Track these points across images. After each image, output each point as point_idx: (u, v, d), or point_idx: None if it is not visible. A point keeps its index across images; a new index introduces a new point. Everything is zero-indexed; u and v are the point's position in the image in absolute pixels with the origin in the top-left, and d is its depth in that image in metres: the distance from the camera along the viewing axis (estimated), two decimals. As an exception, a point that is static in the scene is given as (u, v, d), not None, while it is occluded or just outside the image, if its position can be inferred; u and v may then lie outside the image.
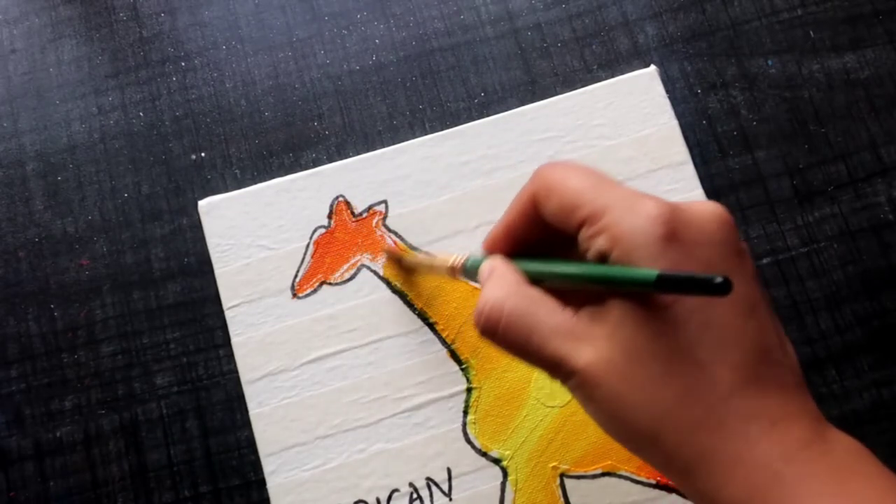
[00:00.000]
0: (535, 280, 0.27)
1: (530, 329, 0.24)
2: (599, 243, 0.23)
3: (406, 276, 0.40)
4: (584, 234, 0.24)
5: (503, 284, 0.26)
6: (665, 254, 0.22)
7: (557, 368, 0.24)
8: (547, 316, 0.24)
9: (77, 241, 0.42)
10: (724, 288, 0.19)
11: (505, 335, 0.25)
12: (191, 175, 0.43)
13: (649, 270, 0.21)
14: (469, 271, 0.30)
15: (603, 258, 0.24)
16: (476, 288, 0.40)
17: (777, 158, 0.42)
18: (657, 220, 0.22)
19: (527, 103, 0.42)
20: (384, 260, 0.40)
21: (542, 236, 0.28)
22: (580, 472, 0.38)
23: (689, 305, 0.22)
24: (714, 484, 0.22)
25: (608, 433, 0.24)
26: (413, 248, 0.41)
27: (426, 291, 0.40)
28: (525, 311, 0.25)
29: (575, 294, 0.26)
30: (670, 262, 0.22)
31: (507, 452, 0.38)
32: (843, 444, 0.23)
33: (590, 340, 0.23)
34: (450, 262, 0.32)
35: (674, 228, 0.23)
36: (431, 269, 0.35)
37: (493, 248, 0.29)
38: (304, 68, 0.44)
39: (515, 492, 0.38)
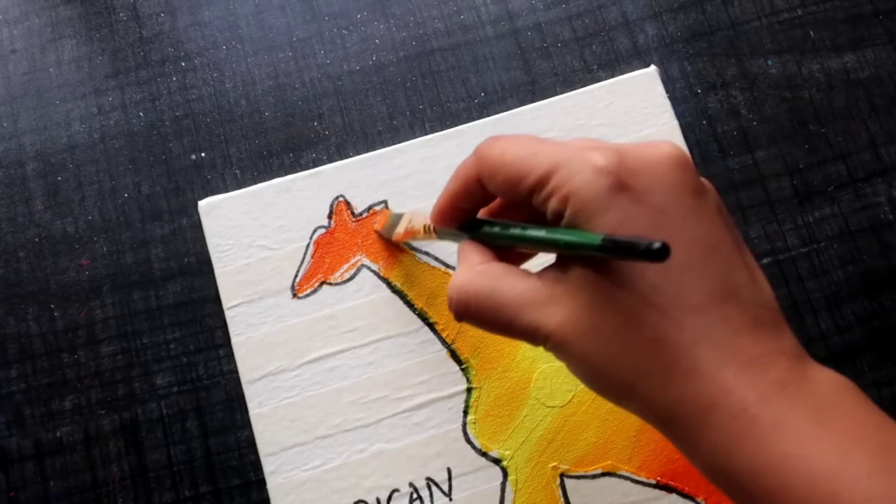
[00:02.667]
0: (499, 247, 0.27)
1: (498, 305, 0.24)
2: (552, 205, 0.23)
3: (404, 275, 0.40)
4: (536, 199, 0.24)
5: (467, 266, 0.26)
6: (615, 205, 0.22)
7: (533, 336, 0.24)
8: (512, 289, 0.24)
9: (77, 241, 0.42)
10: (660, 254, 0.19)
11: (477, 315, 0.25)
12: (191, 175, 0.43)
13: (594, 236, 0.21)
14: (441, 235, 0.31)
15: (559, 217, 0.23)
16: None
17: (777, 158, 0.42)
18: (603, 172, 0.22)
19: (527, 103, 0.42)
20: (370, 263, 0.40)
21: (490, 205, 0.28)
22: (580, 472, 0.38)
23: None
24: (692, 432, 0.22)
25: (590, 388, 0.24)
26: (414, 249, 0.41)
27: (426, 291, 0.40)
28: (490, 289, 0.25)
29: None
30: (620, 213, 0.22)
31: (507, 452, 0.38)
32: (826, 382, 0.22)
33: (556, 303, 0.23)
34: (424, 225, 0.32)
35: (621, 177, 0.22)
36: (413, 237, 0.36)
37: (439, 219, 0.29)
38: (304, 68, 0.44)
39: (515, 492, 0.38)
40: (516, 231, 0.26)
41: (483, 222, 0.28)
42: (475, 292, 0.25)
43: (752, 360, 0.21)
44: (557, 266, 0.24)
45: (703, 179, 0.24)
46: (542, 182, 0.23)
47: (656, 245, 0.19)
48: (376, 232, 0.40)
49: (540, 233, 0.24)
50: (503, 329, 0.25)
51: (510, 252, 0.28)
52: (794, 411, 0.21)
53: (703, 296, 0.22)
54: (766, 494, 0.21)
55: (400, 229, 0.37)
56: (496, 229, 0.27)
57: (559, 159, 0.23)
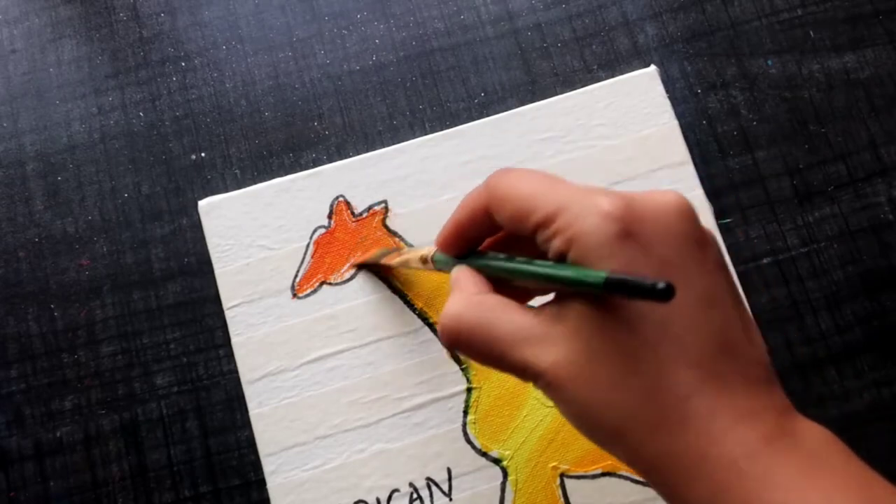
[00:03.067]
0: (497, 279, 0.27)
1: (490, 339, 0.24)
2: (556, 245, 0.23)
3: (404, 275, 0.40)
4: (540, 237, 0.24)
5: (462, 296, 0.26)
6: (620, 252, 0.22)
7: (524, 372, 0.24)
8: (506, 323, 0.24)
9: (77, 241, 0.42)
10: (665, 294, 0.19)
11: (468, 346, 0.25)
12: (191, 175, 0.43)
13: (598, 273, 0.21)
14: (437, 265, 0.31)
15: (561, 258, 0.23)
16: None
17: (777, 158, 0.42)
18: (610, 218, 0.22)
19: (527, 103, 0.42)
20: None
21: (496, 236, 0.28)
22: (580, 472, 0.38)
23: (646, 303, 0.22)
24: (680, 482, 0.22)
25: (578, 431, 0.24)
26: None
27: (426, 291, 0.40)
28: (483, 322, 0.25)
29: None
30: (625, 261, 0.22)
31: (507, 452, 0.38)
32: (812, 437, 0.23)
33: (551, 342, 0.23)
34: (421, 255, 0.32)
35: (628, 225, 0.22)
36: (406, 264, 0.35)
37: (444, 247, 0.29)
38: (304, 68, 0.44)
39: (515, 492, 0.38)
40: (518, 263, 0.25)
41: (485, 254, 0.28)
42: (468, 323, 0.25)
43: (743, 414, 0.22)
44: (556, 304, 0.24)
45: (706, 230, 0.24)
46: (547, 220, 0.23)
47: (661, 285, 0.19)
48: (355, 265, 0.40)
49: (543, 267, 0.24)
50: (493, 363, 0.25)
51: (510, 289, 0.27)
52: (782, 465, 0.21)
53: (699, 350, 0.22)
54: None
55: (391, 259, 0.37)
56: (498, 259, 0.27)
57: (567, 200, 0.23)
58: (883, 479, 0.22)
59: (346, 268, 0.40)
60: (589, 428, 0.24)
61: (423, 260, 0.32)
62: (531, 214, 0.24)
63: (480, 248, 0.29)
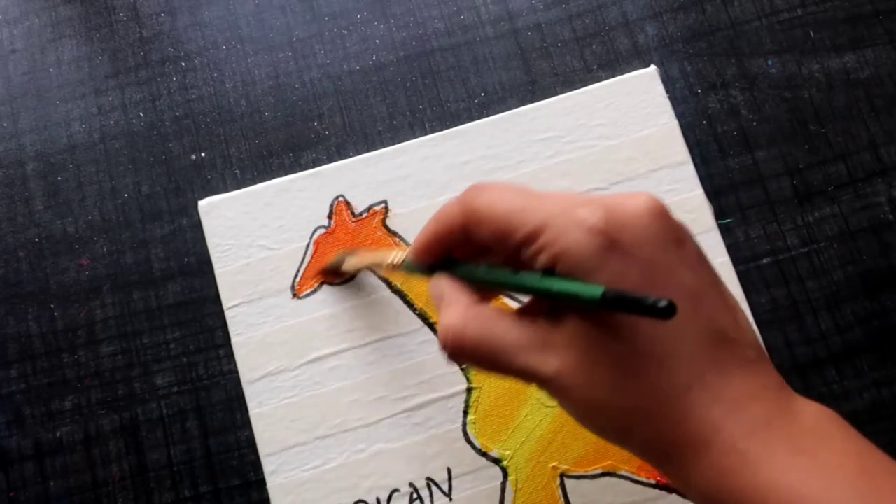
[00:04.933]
0: (481, 287, 0.27)
1: (495, 350, 0.25)
2: (542, 261, 0.24)
3: (404, 276, 0.40)
4: (525, 254, 0.24)
5: (458, 309, 0.26)
6: (607, 264, 0.23)
7: (530, 379, 0.25)
8: (507, 333, 0.25)
9: (77, 241, 0.42)
10: (668, 311, 0.20)
11: (473, 359, 0.26)
12: (191, 175, 0.43)
13: (594, 289, 0.22)
14: (408, 270, 0.31)
15: (549, 271, 0.24)
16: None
17: (777, 158, 0.42)
18: (593, 231, 0.23)
19: (527, 103, 0.42)
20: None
21: (473, 247, 0.28)
22: (580, 472, 0.38)
23: None
24: (686, 469, 0.23)
25: (587, 428, 0.25)
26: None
27: (426, 291, 0.40)
28: (486, 334, 0.25)
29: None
30: (613, 271, 0.23)
31: (507, 452, 0.38)
32: (810, 414, 0.23)
33: (553, 350, 0.24)
34: (389, 261, 0.32)
35: (611, 236, 0.23)
36: (371, 268, 0.35)
37: (420, 258, 0.29)
38: (304, 68, 0.44)
39: (515, 492, 0.38)
40: (507, 275, 0.26)
41: (463, 263, 0.28)
42: (471, 337, 0.25)
43: (740, 398, 0.23)
44: (551, 313, 0.25)
45: (680, 225, 0.24)
46: (531, 238, 0.24)
47: (663, 303, 0.20)
48: (321, 272, 0.40)
49: (535, 281, 0.24)
50: (498, 371, 0.25)
51: (478, 291, 0.28)
52: (780, 443, 0.22)
53: (694, 343, 0.23)
54: None
55: (355, 262, 0.37)
56: (482, 271, 0.27)
57: (548, 217, 0.24)
58: (882, 453, 0.23)
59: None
60: (598, 427, 0.25)
61: (391, 266, 0.32)
62: (513, 233, 0.24)
63: (456, 254, 0.29)
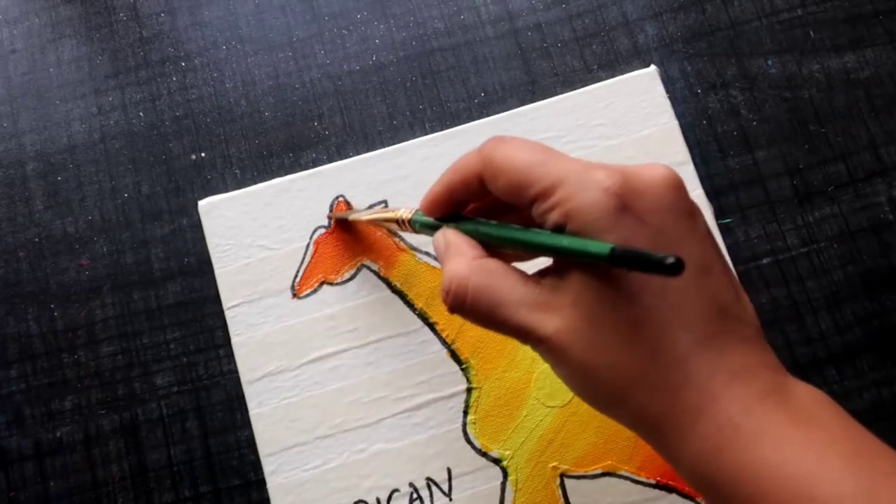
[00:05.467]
0: (488, 245, 0.27)
1: (496, 303, 0.25)
2: (553, 218, 0.24)
3: (404, 275, 0.40)
4: (537, 209, 0.24)
5: (464, 260, 0.26)
6: (618, 224, 0.23)
7: (526, 337, 0.25)
8: (511, 288, 0.25)
9: (77, 241, 0.42)
10: (675, 268, 0.20)
11: (472, 310, 0.26)
12: (191, 175, 0.43)
13: (603, 244, 0.22)
14: (416, 226, 0.31)
15: (559, 230, 0.24)
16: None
17: (777, 158, 0.42)
18: (608, 192, 0.23)
19: (527, 103, 0.42)
20: (370, 263, 0.40)
21: (483, 203, 0.28)
22: (580, 472, 0.38)
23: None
24: (679, 440, 0.23)
25: (578, 395, 0.25)
26: (414, 249, 0.41)
27: (426, 291, 0.40)
28: (489, 286, 0.25)
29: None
30: (624, 232, 0.23)
31: (507, 452, 0.38)
32: (804, 394, 0.24)
33: (554, 309, 0.24)
34: (398, 216, 0.32)
35: (625, 199, 0.23)
36: (379, 222, 0.35)
37: (431, 210, 0.29)
38: (304, 68, 0.44)
39: (515, 492, 0.38)
40: (516, 231, 0.26)
41: (471, 219, 0.28)
42: (474, 287, 0.25)
43: (738, 372, 0.23)
44: (555, 271, 0.25)
45: (692, 201, 0.25)
46: (546, 193, 0.24)
47: (670, 259, 0.20)
48: (329, 217, 0.40)
49: (545, 237, 0.24)
50: (496, 325, 0.25)
51: (495, 252, 0.28)
52: (775, 420, 0.22)
53: (696, 314, 0.23)
54: (746, 498, 0.22)
55: (364, 215, 0.37)
56: (490, 226, 0.27)
57: (565, 174, 0.24)
58: (872, 435, 0.23)
59: (357, 260, 0.40)
60: (591, 392, 0.25)
61: (400, 221, 0.32)
62: (529, 186, 0.24)
63: (464, 212, 0.29)
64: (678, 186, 0.24)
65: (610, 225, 0.23)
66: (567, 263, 0.24)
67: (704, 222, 0.25)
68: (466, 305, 0.26)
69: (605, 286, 0.23)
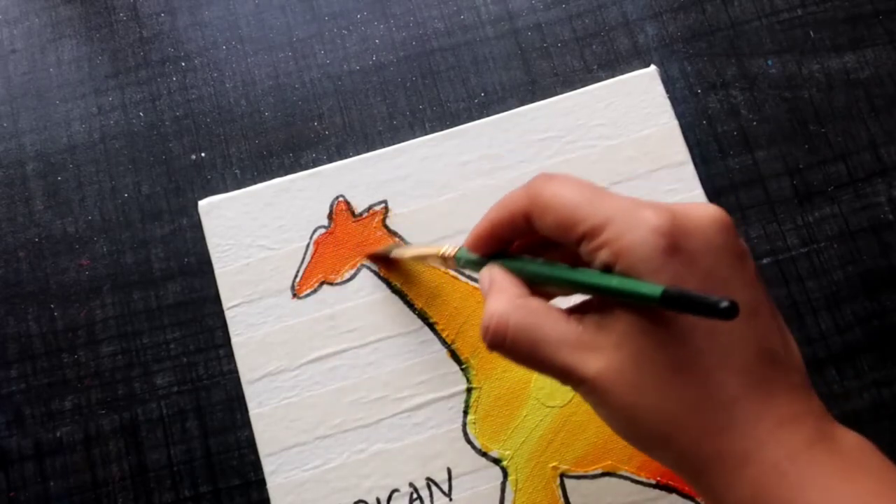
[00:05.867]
0: (533, 282, 0.27)
1: (537, 342, 0.25)
2: (602, 257, 0.24)
3: (404, 275, 0.40)
4: (584, 247, 0.24)
5: (505, 298, 0.26)
6: (668, 266, 0.22)
7: (567, 377, 0.25)
8: (552, 328, 0.25)
9: (77, 241, 0.42)
10: (730, 312, 0.19)
11: (512, 348, 0.25)
12: (191, 175, 0.43)
13: (654, 286, 0.22)
14: (460, 263, 0.31)
15: (607, 269, 0.24)
16: (475, 287, 0.40)
17: (777, 158, 0.42)
18: (658, 232, 0.23)
19: (527, 103, 0.42)
20: (370, 264, 0.40)
21: (529, 240, 0.28)
22: (580, 472, 0.38)
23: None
24: (723, 484, 0.23)
25: (620, 436, 0.25)
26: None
27: (426, 291, 0.40)
28: (530, 325, 0.25)
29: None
30: (673, 274, 0.22)
31: (507, 452, 0.38)
32: (850, 442, 0.23)
33: (597, 350, 0.24)
34: (441, 252, 0.32)
35: (675, 239, 0.23)
36: (421, 259, 0.35)
37: (477, 247, 0.29)
38: (304, 68, 0.44)
39: (515, 492, 0.38)
40: (563, 270, 0.25)
41: (517, 257, 0.28)
42: (515, 326, 0.25)
43: (785, 419, 0.23)
44: (597, 309, 0.25)
45: (743, 243, 0.25)
46: (594, 232, 0.24)
47: (725, 303, 0.19)
48: (369, 256, 0.40)
49: (593, 277, 0.24)
50: (536, 365, 0.25)
51: (534, 291, 0.28)
52: (821, 468, 0.22)
53: (744, 358, 0.23)
54: None
55: (406, 252, 0.37)
56: (537, 264, 0.27)
57: (614, 212, 0.24)
58: None
59: (357, 260, 0.40)
60: (634, 434, 0.24)
61: (444, 257, 0.32)
62: (577, 225, 0.24)
63: (511, 249, 0.29)
64: (728, 227, 0.24)
65: (659, 265, 0.22)
66: (611, 302, 0.24)
67: (753, 265, 0.24)
68: (506, 343, 0.25)
69: (651, 327, 0.23)
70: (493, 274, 0.27)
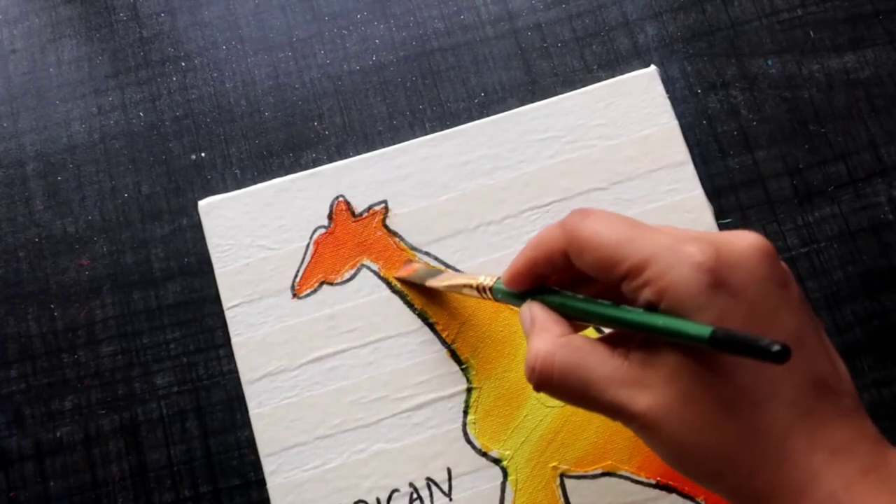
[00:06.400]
0: (575, 318, 0.27)
1: (585, 381, 0.25)
2: (646, 295, 0.23)
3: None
4: (627, 286, 0.24)
5: (549, 336, 0.26)
6: (713, 302, 0.22)
7: (618, 413, 0.24)
8: (599, 365, 0.25)
9: (77, 241, 0.42)
10: (782, 356, 0.19)
11: (560, 387, 0.25)
12: (191, 175, 0.43)
13: (702, 327, 0.21)
14: (497, 296, 0.30)
15: (651, 308, 0.24)
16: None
17: (777, 158, 0.42)
18: (702, 269, 0.22)
19: (527, 103, 0.42)
20: (370, 264, 0.40)
21: (567, 275, 0.28)
22: (580, 472, 0.38)
23: None
24: None
25: (674, 469, 0.25)
26: (414, 248, 0.41)
27: (425, 291, 0.40)
28: (577, 364, 0.25)
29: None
30: (719, 310, 0.22)
31: (507, 452, 0.38)
32: None
33: (646, 386, 0.24)
34: (479, 283, 0.32)
35: (719, 274, 0.23)
36: (457, 289, 0.35)
37: (513, 284, 0.29)
38: (304, 68, 0.44)
39: (515, 492, 0.38)
40: (606, 308, 0.25)
41: (557, 292, 0.28)
42: (561, 366, 0.25)
43: (838, 447, 0.22)
44: (643, 346, 0.24)
45: (785, 268, 0.24)
46: (636, 270, 0.24)
47: (776, 347, 0.19)
48: (398, 278, 0.40)
49: (639, 317, 0.24)
50: (585, 403, 0.25)
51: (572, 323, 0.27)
52: (877, 496, 0.22)
53: (794, 389, 0.23)
54: None
55: (439, 282, 0.36)
56: (579, 302, 0.26)
57: (656, 249, 0.23)
58: None
59: (357, 260, 0.40)
60: (687, 468, 0.24)
61: (480, 289, 0.32)
62: (618, 264, 0.24)
63: (548, 284, 0.28)
64: (770, 255, 0.24)
65: (704, 303, 0.22)
66: (656, 340, 0.24)
67: (797, 289, 0.24)
68: (553, 382, 0.25)
69: (699, 364, 0.23)
70: (534, 311, 0.27)
